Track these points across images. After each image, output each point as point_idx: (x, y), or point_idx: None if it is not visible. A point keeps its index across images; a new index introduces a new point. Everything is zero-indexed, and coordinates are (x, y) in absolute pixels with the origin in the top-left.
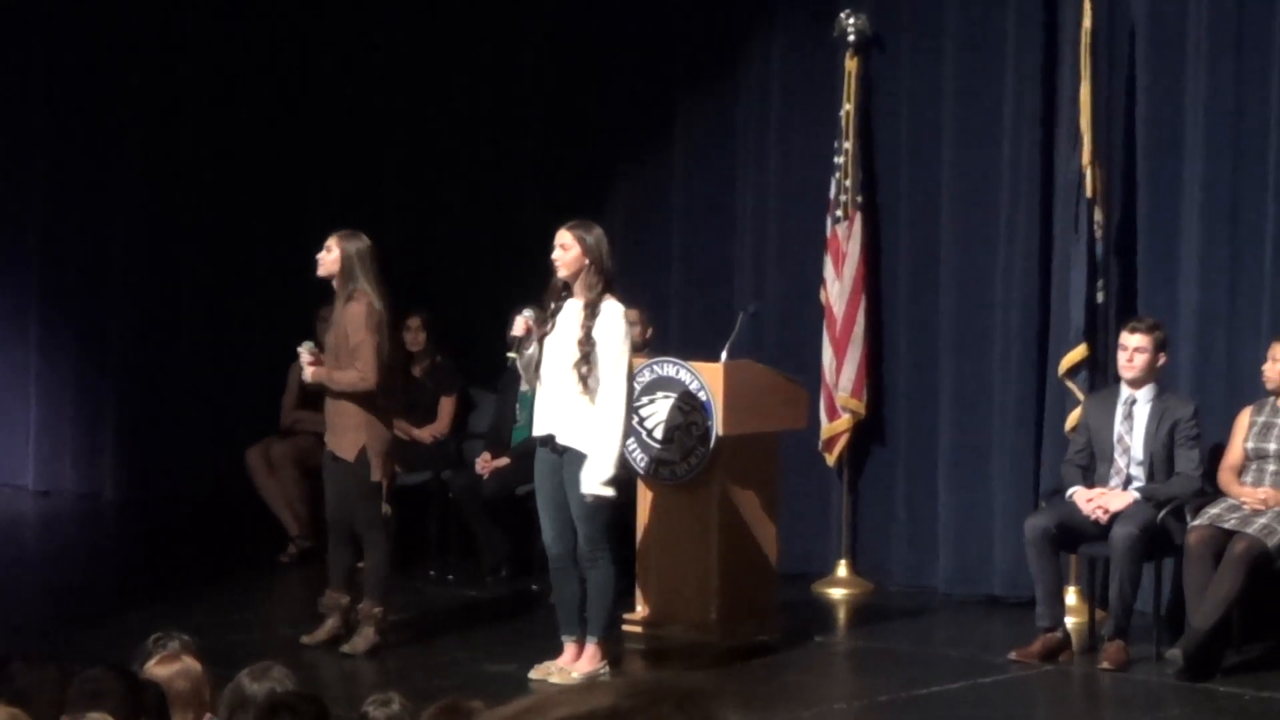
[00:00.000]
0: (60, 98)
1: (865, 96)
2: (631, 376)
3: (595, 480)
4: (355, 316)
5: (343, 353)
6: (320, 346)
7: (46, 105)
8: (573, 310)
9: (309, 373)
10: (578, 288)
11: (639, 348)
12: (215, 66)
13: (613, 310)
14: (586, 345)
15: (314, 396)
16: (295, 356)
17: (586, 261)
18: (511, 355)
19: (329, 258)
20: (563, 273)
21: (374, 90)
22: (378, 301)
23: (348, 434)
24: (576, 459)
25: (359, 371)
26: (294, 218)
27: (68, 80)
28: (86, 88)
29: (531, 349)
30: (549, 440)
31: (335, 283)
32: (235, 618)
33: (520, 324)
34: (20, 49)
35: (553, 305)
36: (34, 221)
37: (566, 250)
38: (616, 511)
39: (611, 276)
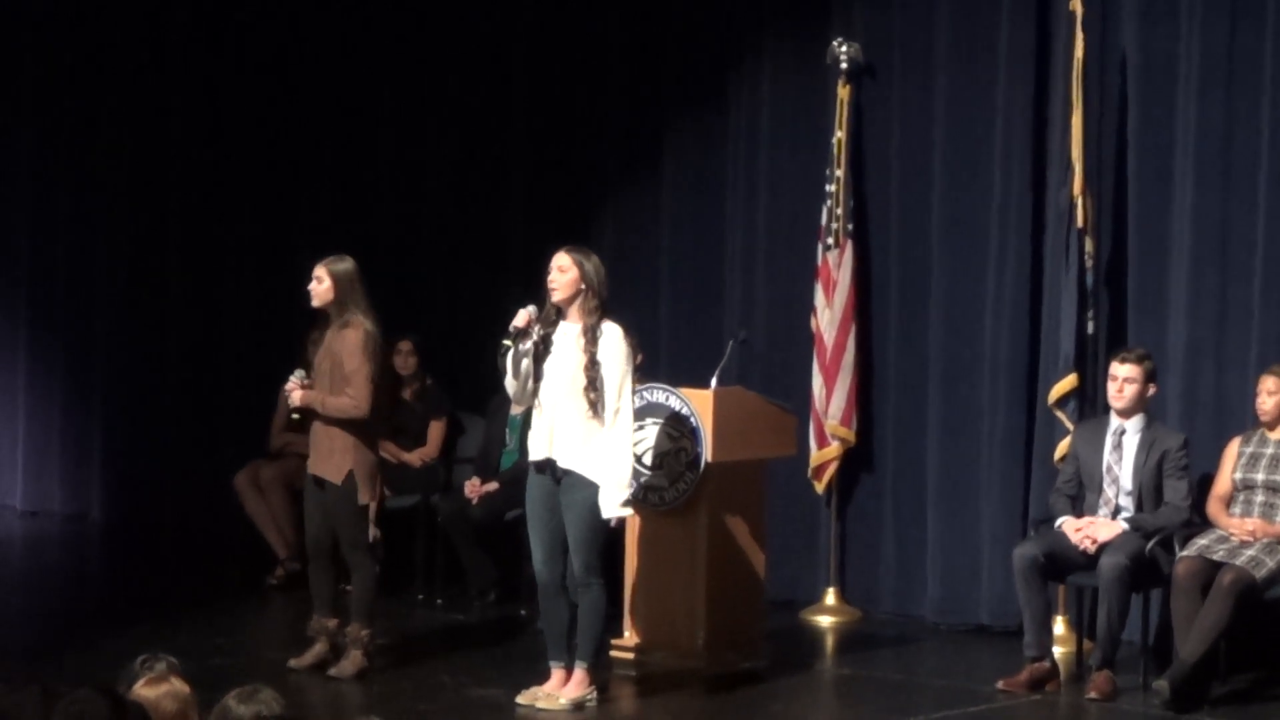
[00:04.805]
0: (47, 123)
1: (857, 124)
2: (633, 396)
3: (614, 502)
4: (351, 343)
5: (336, 378)
6: (308, 369)
7: (33, 130)
8: (570, 335)
9: (297, 396)
10: (574, 312)
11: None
12: (202, 93)
13: (613, 331)
14: (592, 370)
15: (303, 419)
16: (284, 379)
17: (583, 286)
18: (506, 343)
19: (321, 287)
20: (558, 295)
21: (361, 114)
22: (373, 326)
23: (334, 457)
24: (577, 483)
25: (352, 399)
26: (281, 241)
27: (54, 105)
28: (73, 112)
29: (527, 345)
30: (546, 465)
31: (330, 309)
32: (222, 640)
33: (523, 316)
34: (7, 76)
35: (542, 332)
36: (21, 244)
37: (564, 273)
38: (607, 537)
39: (606, 302)
